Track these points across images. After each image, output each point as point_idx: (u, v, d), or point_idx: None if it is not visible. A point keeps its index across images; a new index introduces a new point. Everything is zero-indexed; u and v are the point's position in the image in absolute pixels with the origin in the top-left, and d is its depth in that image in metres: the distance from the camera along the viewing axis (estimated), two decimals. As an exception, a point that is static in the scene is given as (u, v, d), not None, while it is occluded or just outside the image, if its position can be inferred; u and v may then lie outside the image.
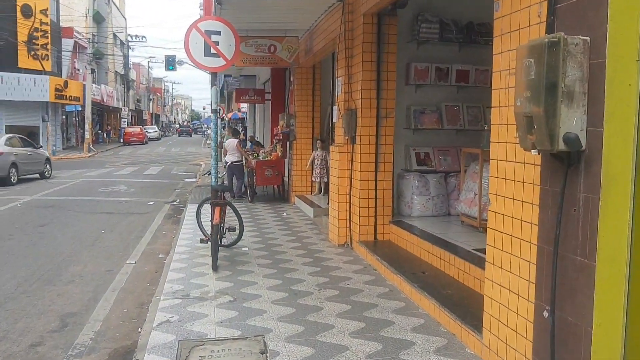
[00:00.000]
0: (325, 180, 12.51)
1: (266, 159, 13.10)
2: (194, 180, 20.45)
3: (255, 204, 12.81)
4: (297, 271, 6.82)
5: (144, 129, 57.84)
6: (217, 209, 7.08)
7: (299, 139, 12.71)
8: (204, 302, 5.63)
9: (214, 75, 7.42)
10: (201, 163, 27.56)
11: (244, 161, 13.68)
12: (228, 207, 7.91)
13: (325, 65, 12.55)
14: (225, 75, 22.23)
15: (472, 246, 6.29)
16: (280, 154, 12.98)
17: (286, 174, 13.79)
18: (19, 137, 20.20)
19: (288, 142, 13.21)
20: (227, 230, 7.92)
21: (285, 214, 11.42)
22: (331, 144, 9.12)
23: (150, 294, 6.28)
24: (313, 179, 12.61)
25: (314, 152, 12.56)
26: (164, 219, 11.66)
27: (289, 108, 13.51)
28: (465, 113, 8.76)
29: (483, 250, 6.07)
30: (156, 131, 61.40)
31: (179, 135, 78.30)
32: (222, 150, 13.93)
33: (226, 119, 46.75)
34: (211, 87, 7.39)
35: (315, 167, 12.47)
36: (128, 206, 13.51)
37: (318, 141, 12.49)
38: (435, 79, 8.55)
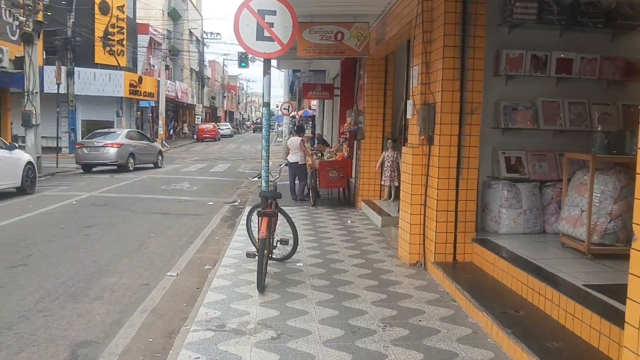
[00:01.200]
0: (396, 184, 11.25)
1: (331, 159, 12.00)
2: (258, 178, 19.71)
3: (317, 208, 11.73)
4: (358, 298, 5.65)
5: (217, 125, 58.33)
6: (265, 220, 6.01)
7: (367, 138, 11.52)
8: (241, 338, 4.56)
9: (267, 62, 6.36)
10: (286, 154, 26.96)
11: (307, 161, 12.67)
12: (281, 216, 6.86)
13: (399, 57, 11.30)
14: (293, 71, 21.36)
15: (582, 280, 4.91)
16: (346, 154, 11.84)
17: (353, 176, 12.62)
18: (137, 131, 24.70)
19: (355, 142, 12.04)
20: (278, 242, 6.87)
21: (349, 221, 10.27)
22: (403, 145, 7.89)
23: (183, 318, 5.30)
24: (382, 183, 11.40)
25: (384, 152, 11.35)
26: (220, 222, 10.80)
27: (358, 104, 12.35)
28: (566, 110, 7.29)
29: (598, 288, 4.74)
30: (229, 128, 61.79)
31: (254, 132, 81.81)
32: (285, 148, 12.94)
33: (297, 116, 46.19)
34: (263, 76, 6.34)
35: (385, 169, 11.26)
36: (186, 206, 12.77)
37: (389, 141, 11.26)
38: (530, 69, 7.12)
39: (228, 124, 67.73)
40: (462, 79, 6.39)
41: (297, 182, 12.76)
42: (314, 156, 12.42)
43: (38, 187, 15.01)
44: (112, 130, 24.61)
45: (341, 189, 12.30)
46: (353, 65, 15.10)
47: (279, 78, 37.46)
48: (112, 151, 20.97)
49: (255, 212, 6.68)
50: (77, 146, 22.33)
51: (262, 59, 6.30)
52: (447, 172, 6.43)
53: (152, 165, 23.63)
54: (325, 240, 8.56)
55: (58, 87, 23.31)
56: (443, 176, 6.43)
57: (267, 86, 6.30)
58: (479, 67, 6.44)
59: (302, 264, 7.06)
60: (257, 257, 6.06)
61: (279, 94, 45.36)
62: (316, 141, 18.32)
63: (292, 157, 12.61)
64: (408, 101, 7.38)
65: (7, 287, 6.29)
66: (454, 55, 6.34)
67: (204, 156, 32.44)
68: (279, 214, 6.84)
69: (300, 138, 12.59)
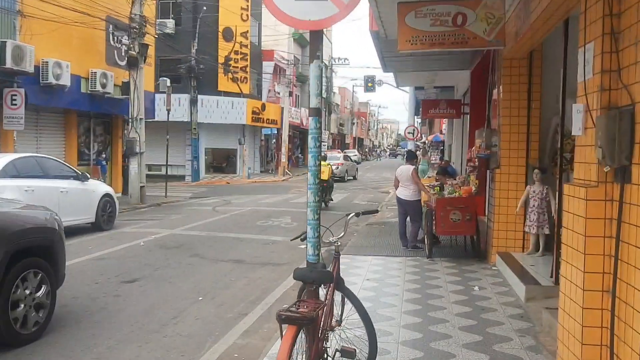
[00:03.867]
0: (546, 232, 7.98)
1: (453, 195, 8.94)
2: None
3: (434, 261, 8.73)
4: None
5: (345, 152, 56.56)
6: (290, 332, 3.18)
7: (504, 167, 8.38)
8: None
9: (314, 37, 3.69)
10: (389, 191, 24.06)
11: (421, 196, 9.73)
12: (341, 296, 4.12)
13: (549, 52, 8.11)
14: (416, 88, 18.43)
15: None
16: (474, 188, 8.72)
17: (485, 218, 9.46)
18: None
19: (488, 172, 8.89)
20: (337, 352, 4.06)
21: (477, 287, 7.16)
22: (559, 177, 4.81)
23: None
24: (526, 229, 8.17)
25: (528, 187, 8.15)
26: (302, 278, 8.18)
27: (491, 122, 9.25)
28: None
29: None
30: (356, 155, 59.75)
31: (389, 156, 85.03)
32: (395, 179, 10.12)
33: (427, 141, 42.94)
34: (310, 62, 3.65)
35: (530, 211, 8.05)
36: (270, 250, 10.35)
37: (536, 171, 8.05)
38: None
39: (355, 150, 65.80)
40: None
41: (409, 222, 9.87)
42: (431, 190, 9.45)
43: (122, 221, 13.46)
44: None
45: (468, 235, 9.18)
46: (486, 73, 11.98)
47: (404, 99, 34.70)
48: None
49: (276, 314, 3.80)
50: None
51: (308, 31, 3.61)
52: (665, 235, 3.28)
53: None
54: (435, 324, 5.59)
55: (168, 113, 22.34)
56: (655, 244, 3.29)
57: (316, 80, 3.60)
58: None
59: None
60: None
61: (405, 118, 42.77)
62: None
63: (402, 192, 9.75)
64: (574, 106, 4.31)
65: None
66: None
67: (324, 185, 30.36)
68: (342, 296, 4.09)
69: (413, 167, 9.71)
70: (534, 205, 8.04)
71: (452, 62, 12.36)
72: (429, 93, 18.26)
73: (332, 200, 18.51)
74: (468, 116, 13.07)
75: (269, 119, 37.46)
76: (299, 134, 50.90)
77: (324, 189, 16.66)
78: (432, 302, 6.41)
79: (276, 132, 39.00)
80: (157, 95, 24.24)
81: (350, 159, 32.69)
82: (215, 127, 33.11)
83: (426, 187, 9.59)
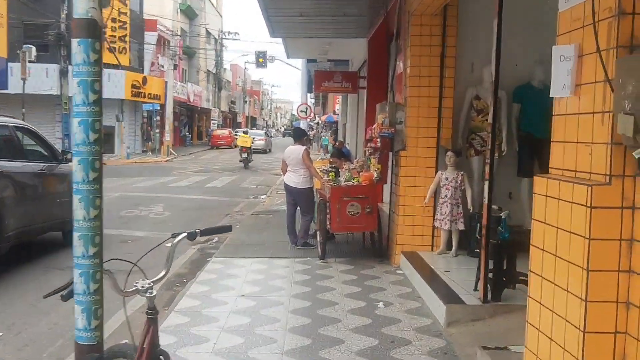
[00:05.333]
0: (461, 227, 6.61)
1: (351, 182, 7.31)
2: (262, 197, 15.18)
3: (327, 263, 7.11)
4: None
5: (235, 131, 54.17)
6: None
7: (411, 149, 6.89)
8: None
9: None
10: (281, 173, 22.36)
11: (312, 184, 8.06)
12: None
13: (467, 6, 6.71)
14: (307, 61, 16.72)
15: None
16: (376, 174, 7.14)
17: (387, 209, 7.97)
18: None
19: (391, 154, 7.35)
20: None
21: (381, 303, 5.56)
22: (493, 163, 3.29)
23: None
24: (437, 224, 6.75)
25: (439, 173, 6.72)
26: (160, 289, 6.24)
27: (394, 95, 7.73)
28: None
29: None
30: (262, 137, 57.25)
31: (283, 136, 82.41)
32: (282, 162, 8.38)
33: (320, 122, 41.68)
34: None
35: (441, 201, 6.64)
36: (125, 251, 8.26)
37: (449, 153, 6.63)
38: None
39: (247, 129, 63.28)
40: None
41: (299, 215, 8.20)
42: (325, 177, 7.80)
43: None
44: None
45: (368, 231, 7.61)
46: (387, 40, 10.51)
47: (298, 79, 33.07)
48: None
49: None
50: None
51: None
52: None
53: None
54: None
55: (24, 83, 19.17)
56: None
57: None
58: None
59: None
60: None
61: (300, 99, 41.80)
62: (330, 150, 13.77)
63: (291, 178, 8.03)
64: (556, 50, 2.74)
65: None
66: None
67: (209, 165, 28.06)
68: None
69: (304, 147, 7.99)
70: (446, 196, 6.62)
71: (348, 27, 10.78)
72: (322, 67, 16.64)
73: (252, 160, 26.48)
74: (365, 91, 11.57)
75: (151, 94, 34.43)
76: (185, 111, 47.85)
77: (248, 155, 25.68)
78: (325, 331, 4.74)
79: (159, 108, 35.94)
80: (13, 64, 20.84)
81: (269, 136, 43.22)
82: (89, 101, 29.66)
83: (319, 172, 7.92)
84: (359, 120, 15.07)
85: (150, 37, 36.53)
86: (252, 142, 28.24)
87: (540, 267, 2.73)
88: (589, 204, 2.24)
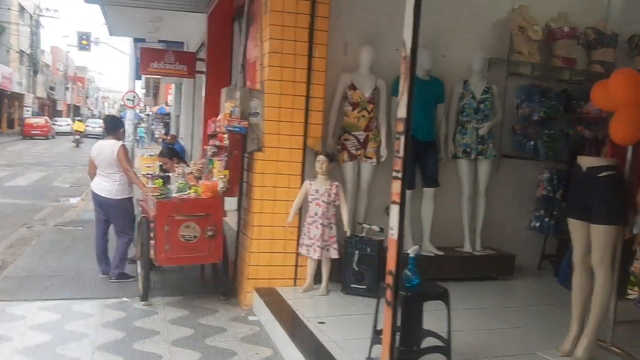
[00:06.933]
0: (335, 255, 5.02)
1: (186, 193, 5.31)
2: (74, 201, 12.46)
3: (151, 307, 5.09)
4: None
5: (54, 120, 48.34)
6: None
7: (270, 150, 5.12)
8: None
9: None
10: (89, 177, 19.25)
11: (132, 193, 5.95)
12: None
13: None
14: (135, 40, 14.17)
15: None
16: (222, 183, 5.20)
17: (232, 227, 6.10)
18: None
19: (243, 156, 5.46)
20: None
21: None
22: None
23: None
24: (302, 251, 5.07)
25: (307, 183, 5.05)
26: None
27: (245, 79, 5.90)
28: None
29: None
30: (69, 124, 51.37)
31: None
32: (89, 163, 6.12)
33: (151, 113, 38.34)
34: None
35: (310, 221, 4.99)
36: None
37: (321, 157, 4.99)
38: None
39: (68, 119, 57.05)
40: None
41: (113, 233, 6.02)
42: (149, 183, 5.72)
43: None
44: None
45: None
46: (231, 19, 8.73)
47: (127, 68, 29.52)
48: None
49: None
50: None
51: None
52: None
53: None
54: None
55: None
56: None
57: None
58: None
59: None
60: None
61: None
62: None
63: (101, 185, 5.83)
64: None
65: None
66: None
67: (17, 159, 23.77)
68: None
69: (119, 143, 5.83)
70: (316, 214, 4.98)
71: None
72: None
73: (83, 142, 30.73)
74: (204, 76, 9.59)
75: (-58, 72, 28.80)
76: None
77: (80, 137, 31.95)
78: None
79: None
80: None
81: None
82: None
83: (140, 177, 5.81)
84: (195, 110, 13.01)
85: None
86: (86, 128, 37.64)
87: None
88: None
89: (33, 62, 49.53)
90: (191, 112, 13.13)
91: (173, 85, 21.06)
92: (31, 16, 48.54)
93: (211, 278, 5.75)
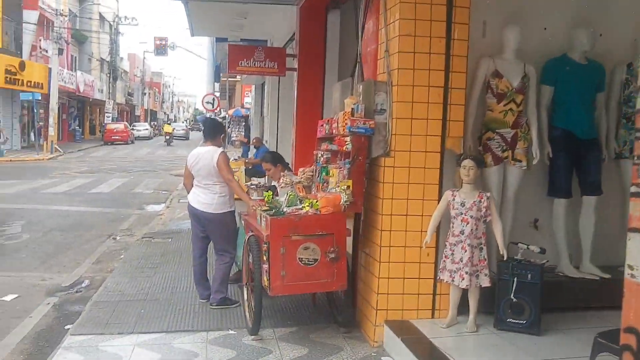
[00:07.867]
0: (487, 283, 4.05)
1: (299, 207, 4.46)
2: (158, 209, 12.07)
3: (263, 343, 4.28)
4: None
5: (132, 126, 49.56)
6: None
7: (400, 154, 4.22)
8: None
9: None
10: (185, 188, 18.95)
11: (234, 206, 5.20)
12: None
13: None
14: (216, 40, 13.59)
15: None
16: (345, 196, 4.32)
17: (360, 247, 5.24)
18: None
19: (367, 162, 4.55)
20: None
21: None
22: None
23: None
24: (444, 277, 4.13)
25: (449, 193, 4.11)
26: None
27: (363, 69, 5.02)
28: None
29: None
30: (147, 129, 52.57)
31: (191, 130, 75.64)
32: (185, 172, 5.42)
33: (227, 116, 38.32)
34: None
35: (453, 241, 4.05)
36: None
37: (468, 162, 4.03)
38: None
39: (146, 123, 58.42)
40: None
41: (213, 252, 5.29)
42: (255, 195, 4.95)
43: None
44: None
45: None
46: (324, 12, 7.95)
47: (202, 72, 29.56)
48: None
49: None
50: None
51: None
52: None
53: None
54: None
55: None
56: None
57: None
58: None
59: None
60: None
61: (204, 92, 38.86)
62: (251, 150, 10.85)
63: (200, 197, 5.10)
64: None
65: None
66: None
67: (99, 165, 24.09)
68: None
69: (220, 150, 5.09)
70: (462, 232, 4.03)
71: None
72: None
73: (173, 141, 40.26)
74: (296, 73, 8.81)
75: (31, 82, 29.77)
76: (76, 103, 42.83)
77: (170, 137, 41.12)
78: None
79: (40, 98, 31.14)
80: None
81: (188, 127, 61.52)
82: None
83: (245, 189, 5.04)
84: (280, 112, 12.30)
85: (29, 15, 31.69)
86: (174, 130, 46.32)
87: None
88: None
89: (112, 69, 50.96)
90: (276, 114, 12.44)
91: (252, 87, 20.54)
92: (111, 25, 49.98)
93: (326, 304, 4.91)
